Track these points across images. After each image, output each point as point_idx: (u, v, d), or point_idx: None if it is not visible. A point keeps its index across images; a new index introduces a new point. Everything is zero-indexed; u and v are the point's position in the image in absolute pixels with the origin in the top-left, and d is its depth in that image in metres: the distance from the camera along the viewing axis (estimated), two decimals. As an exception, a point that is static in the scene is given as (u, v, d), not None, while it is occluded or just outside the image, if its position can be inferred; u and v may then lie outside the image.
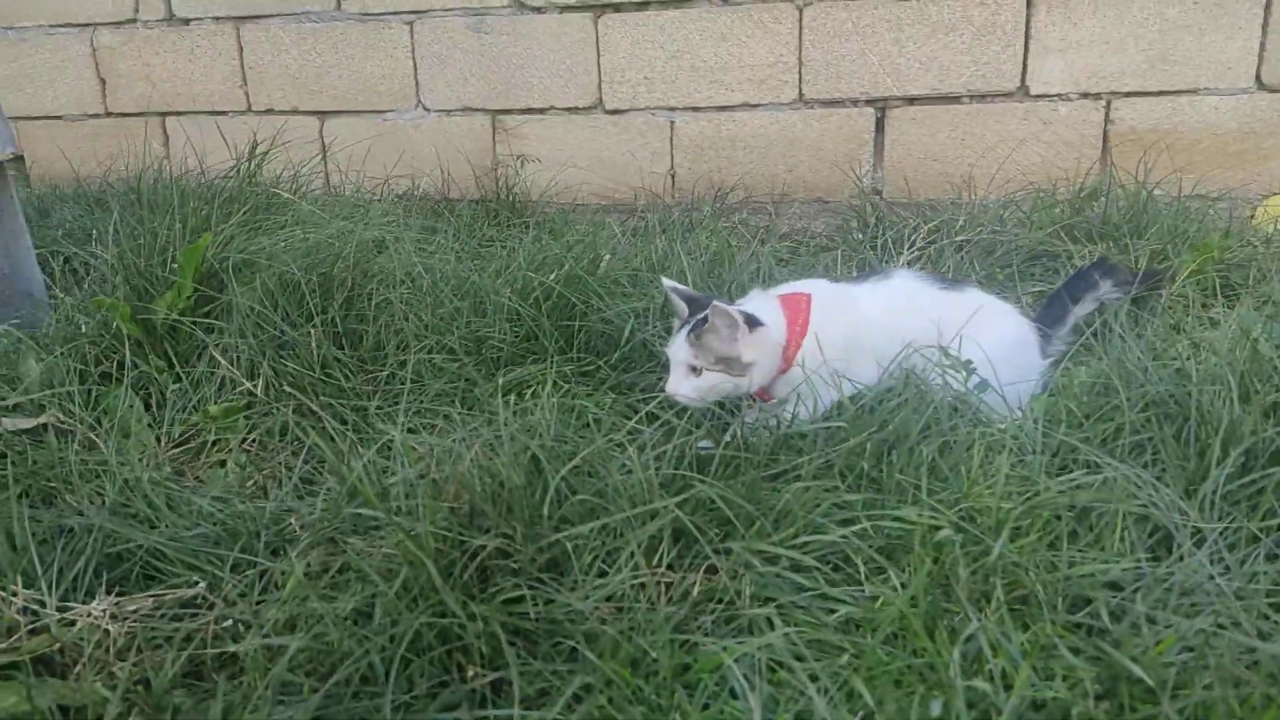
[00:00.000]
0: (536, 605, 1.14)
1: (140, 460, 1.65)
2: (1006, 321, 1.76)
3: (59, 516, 1.45)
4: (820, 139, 3.17)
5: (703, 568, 1.26)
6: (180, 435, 1.82)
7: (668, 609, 1.18)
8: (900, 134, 3.11)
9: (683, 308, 1.66)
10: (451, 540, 1.20)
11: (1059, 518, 1.30)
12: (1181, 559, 1.21)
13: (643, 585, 1.20)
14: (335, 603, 1.19)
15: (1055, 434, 1.48)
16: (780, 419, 1.55)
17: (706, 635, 1.16)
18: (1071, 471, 1.40)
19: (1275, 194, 2.80)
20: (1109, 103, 2.93)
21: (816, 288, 1.70)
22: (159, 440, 1.79)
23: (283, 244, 2.09)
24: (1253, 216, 2.78)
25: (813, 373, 1.57)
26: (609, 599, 1.18)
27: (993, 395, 1.61)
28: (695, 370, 1.58)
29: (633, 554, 1.22)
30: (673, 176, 3.32)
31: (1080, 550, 1.25)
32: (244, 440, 1.79)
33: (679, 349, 1.60)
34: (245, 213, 2.18)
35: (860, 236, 2.67)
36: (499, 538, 1.20)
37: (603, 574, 1.23)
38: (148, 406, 1.87)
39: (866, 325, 1.65)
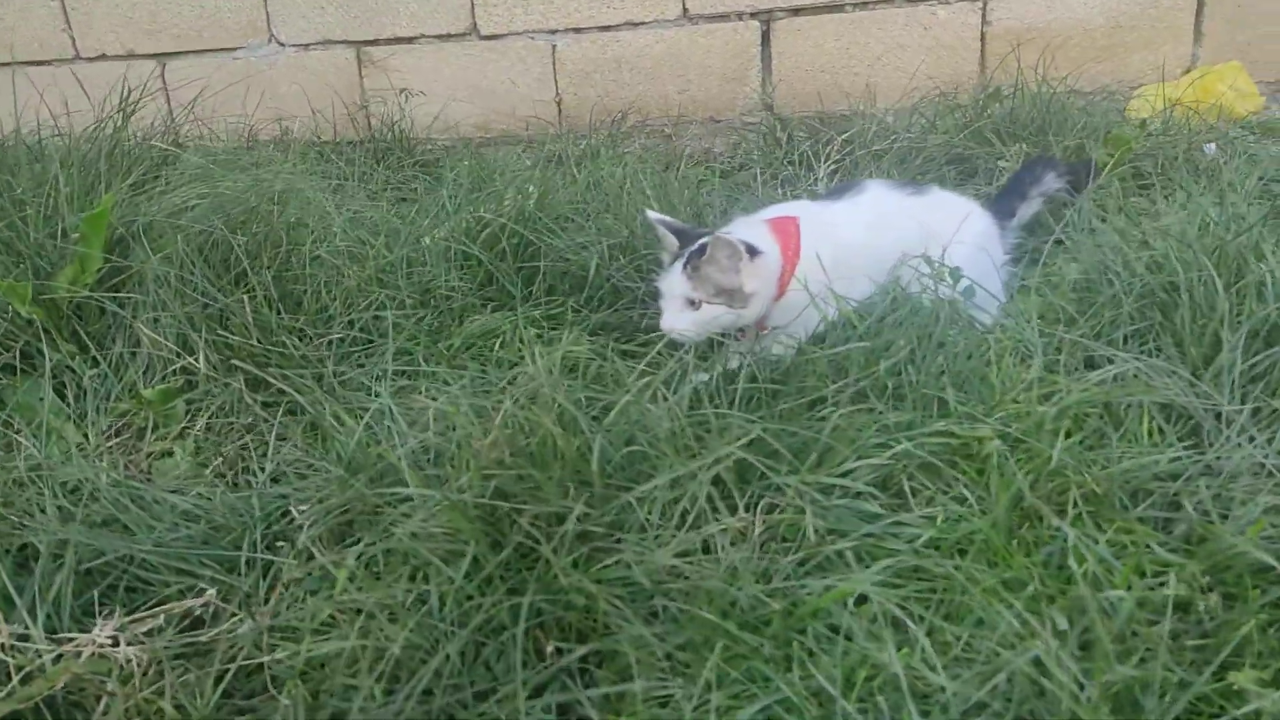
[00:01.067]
0: (626, 568, 1.07)
1: (83, 458, 1.46)
2: (974, 219, 1.76)
3: (15, 535, 1.26)
4: (708, 56, 3.09)
5: (758, 508, 1.22)
6: (110, 427, 1.62)
7: (739, 556, 1.13)
8: (787, 46, 3.07)
9: (672, 240, 1.58)
10: (503, 511, 1.11)
11: (1087, 416, 1.32)
12: (1214, 445, 1.25)
13: (710, 536, 1.14)
14: (387, 592, 1.09)
15: (1053, 333, 1.50)
16: (785, 344, 1.51)
17: (786, 579, 1.12)
18: (1080, 370, 1.42)
19: (1143, 84, 2.94)
20: (985, 3, 2.98)
21: (802, 209, 1.65)
22: (86, 437, 1.58)
23: (183, 203, 1.87)
24: (1126, 109, 2.90)
25: (815, 295, 1.53)
26: (682, 554, 1.13)
27: (979, 295, 1.62)
28: (693, 304, 1.51)
29: (694, 501, 1.16)
30: (559, 104, 3.18)
31: (1117, 446, 1.27)
32: (185, 426, 1.61)
33: (675, 282, 1.52)
34: (142, 171, 1.93)
35: (776, 153, 2.63)
36: (560, 504, 1.11)
37: (660, 529, 1.17)
38: (63, 398, 1.65)
39: (853, 243, 1.61)
